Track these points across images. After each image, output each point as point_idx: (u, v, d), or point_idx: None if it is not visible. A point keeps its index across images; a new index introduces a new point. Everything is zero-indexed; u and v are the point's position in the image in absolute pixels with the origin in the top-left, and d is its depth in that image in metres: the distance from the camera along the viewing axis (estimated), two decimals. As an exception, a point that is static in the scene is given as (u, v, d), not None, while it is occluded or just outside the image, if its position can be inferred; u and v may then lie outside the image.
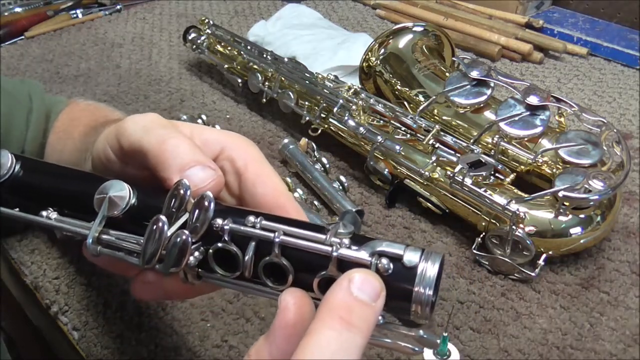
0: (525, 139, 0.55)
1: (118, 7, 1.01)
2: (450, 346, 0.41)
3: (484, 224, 0.51)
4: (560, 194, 0.47)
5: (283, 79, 0.67)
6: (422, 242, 0.54)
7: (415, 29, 0.68)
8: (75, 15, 0.99)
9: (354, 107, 0.60)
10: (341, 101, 0.61)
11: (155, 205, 0.30)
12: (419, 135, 0.57)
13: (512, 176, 0.52)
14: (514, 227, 0.47)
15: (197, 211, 0.29)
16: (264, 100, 0.69)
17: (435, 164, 0.54)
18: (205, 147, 0.32)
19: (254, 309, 0.47)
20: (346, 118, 0.60)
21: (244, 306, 0.47)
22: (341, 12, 1.01)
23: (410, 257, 0.27)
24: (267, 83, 0.69)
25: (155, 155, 0.30)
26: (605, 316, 0.47)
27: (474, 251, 0.51)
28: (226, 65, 0.75)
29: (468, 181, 0.50)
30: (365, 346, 0.25)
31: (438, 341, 0.27)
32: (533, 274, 0.49)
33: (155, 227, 0.29)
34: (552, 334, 0.45)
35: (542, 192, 0.48)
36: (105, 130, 0.34)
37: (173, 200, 0.29)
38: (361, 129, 0.58)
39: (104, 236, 0.31)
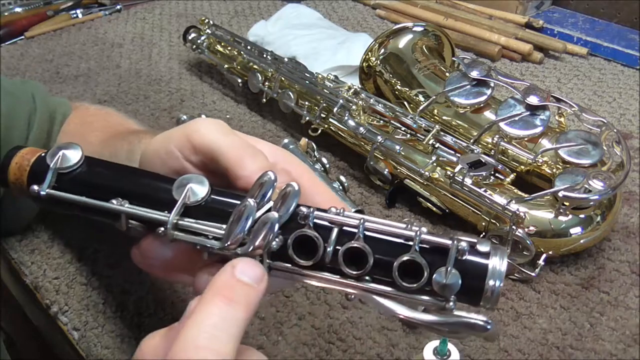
0: (525, 139, 0.55)
1: (118, 7, 1.01)
2: (450, 346, 0.41)
3: (484, 224, 0.51)
4: (560, 194, 0.47)
5: (283, 79, 0.67)
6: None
7: (415, 29, 0.68)
8: (75, 15, 0.99)
9: (354, 107, 0.60)
10: (341, 101, 0.61)
11: (231, 199, 0.31)
12: (419, 135, 0.57)
13: (512, 176, 0.52)
14: (514, 227, 0.47)
15: (281, 200, 0.30)
16: (264, 100, 0.69)
17: (435, 164, 0.54)
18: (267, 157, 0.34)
19: (254, 309, 0.47)
20: (346, 118, 0.60)
21: (244, 306, 0.47)
22: (341, 12, 1.01)
23: (482, 244, 0.29)
24: (267, 83, 0.69)
25: (233, 156, 0.32)
26: (605, 316, 0.47)
27: (474, 251, 0.51)
28: (226, 65, 0.75)
29: (468, 181, 0.50)
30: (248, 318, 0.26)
31: (489, 328, 0.28)
32: (533, 274, 0.49)
33: (244, 207, 0.29)
34: (552, 334, 0.45)
35: (542, 192, 0.48)
36: (161, 135, 0.35)
37: (258, 189, 0.30)
38: (361, 129, 0.58)
39: (181, 222, 0.31)
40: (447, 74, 0.62)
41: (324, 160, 0.61)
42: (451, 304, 0.28)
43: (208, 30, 0.79)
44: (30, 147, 0.35)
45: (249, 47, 0.74)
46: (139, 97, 0.77)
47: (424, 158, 0.55)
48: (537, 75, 0.81)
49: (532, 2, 0.94)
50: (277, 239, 0.29)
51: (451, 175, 0.51)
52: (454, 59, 0.67)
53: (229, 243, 0.29)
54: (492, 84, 0.58)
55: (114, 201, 0.32)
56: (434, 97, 0.60)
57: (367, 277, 0.29)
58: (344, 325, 0.46)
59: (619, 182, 0.48)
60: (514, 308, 0.47)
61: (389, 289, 0.29)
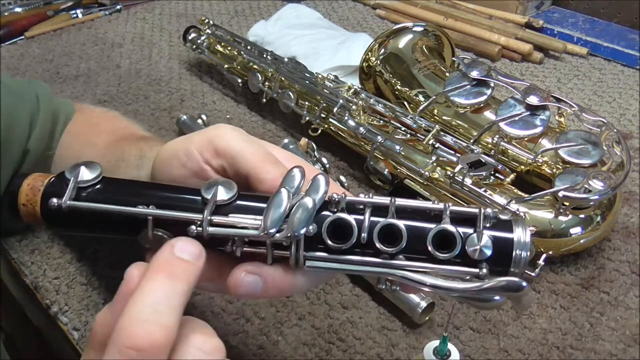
0: (525, 139, 0.55)
1: (118, 7, 1.01)
2: (450, 346, 0.41)
3: (484, 224, 0.51)
4: (560, 194, 0.47)
5: (283, 79, 0.67)
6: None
7: (415, 29, 0.68)
8: (75, 15, 0.99)
9: (354, 107, 0.60)
10: (341, 101, 0.61)
11: (259, 198, 0.31)
12: (419, 135, 0.57)
13: (512, 176, 0.52)
14: (514, 227, 0.47)
15: (312, 190, 0.30)
16: (264, 100, 0.69)
17: (435, 164, 0.54)
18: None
19: (254, 309, 0.47)
20: (346, 118, 0.60)
21: (244, 306, 0.47)
22: (341, 12, 1.01)
23: (503, 214, 0.30)
24: (267, 83, 0.69)
25: (255, 160, 0.33)
26: (605, 316, 0.47)
27: (474, 251, 0.51)
28: (226, 65, 0.75)
29: (468, 181, 0.50)
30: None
31: (524, 285, 0.29)
32: (533, 274, 0.48)
33: (279, 194, 0.30)
34: (552, 334, 0.45)
35: (542, 192, 0.48)
36: (180, 138, 0.36)
37: (289, 182, 0.31)
38: (361, 129, 0.58)
39: (215, 218, 0.31)
40: (447, 74, 0.62)
41: (324, 160, 0.61)
42: (484, 270, 0.29)
43: (208, 30, 0.79)
44: (39, 172, 0.34)
45: (249, 47, 0.74)
46: (139, 97, 0.77)
47: (424, 158, 0.55)
48: (537, 75, 0.81)
49: (532, 2, 0.94)
50: (312, 226, 0.30)
51: (451, 175, 0.51)
52: (454, 59, 0.67)
53: (268, 229, 0.29)
54: (492, 84, 0.58)
55: (139, 207, 0.31)
56: (434, 97, 0.60)
57: (401, 256, 0.30)
58: (344, 325, 0.46)
59: (619, 182, 0.48)
60: (514, 308, 0.47)
61: (424, 264, 0.30)
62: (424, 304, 0.45)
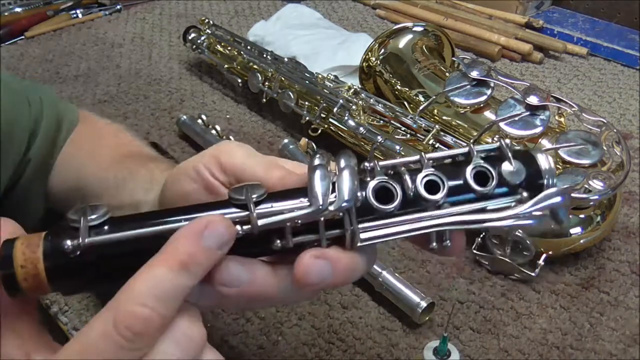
0: (525, 139, 0.55)
1: (118, 7, 1.02)
2: (450, 346, 0.41)
3: (484, 224, 0.51)
4: (560, 194, 0.47)
5: (283, 79, 0.67)
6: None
7: (415, 29, 0.68)
8: (75, 15, 0.99)
9: (354, 107, 0.60)
10: (341, 101, 0.61)
11: (289, 191, 0.30)
12: (419, 135, 0.57)
13: (512, 176, 0.52)
14: (514, 227, 0.47)
15: (341, 165, 0.29)
16: (264, 100, 0.69)
17: (435, 164, 0.54)
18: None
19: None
20: (346, 118, 0.60)
21: (244, 306, 0.47)
22: (341, 12, 1.01)
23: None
24: (267, 83, 0.69)
25: (259, 169, 0.33)
26: (605, 316, 0.47)
27: (474, 251, 0.51)
28: (226, 65, 0.75)
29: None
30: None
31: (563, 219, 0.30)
32: (533, 274, 0.49)
33: (316, 171, 0.29)
34: (552, 334, 0.45)
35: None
36: (191, 158, 0.36)
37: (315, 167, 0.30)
38: (361, 129, 0.58)
39: (259, 210, 0.29)
40: (447, 74, 0.62)
41: (324, 160, 0.61)
42: (524, 193, 0.30)
43: (208, 31, 0.79)
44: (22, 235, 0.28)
45: (249, 47, 0.74)
46: (139, 97, 0.77)
47: (424, 158, 0.54)
48: (537, 75, 0.81)
49: (532, 2, 0.94)
50: (359, 193, 0.29)
51: (451, 175, 0.51)
52: (454, 59, 0.67)
53: (320, 203, 0.28)
54: (492, 84, 0.58)
55: (170, 221, 0.28)
56: (434, 97, 0.60)
57: (446, 205, 0.30)
58: (344, 325, 0.46)
59: (619, 182, 0.48)
60: (514, 308, 0.47)
61: (471, 204, 0.30)
62: (424, 304, 0.45)
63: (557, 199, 0.29)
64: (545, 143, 0.54)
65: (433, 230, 0.30)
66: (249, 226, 0.28)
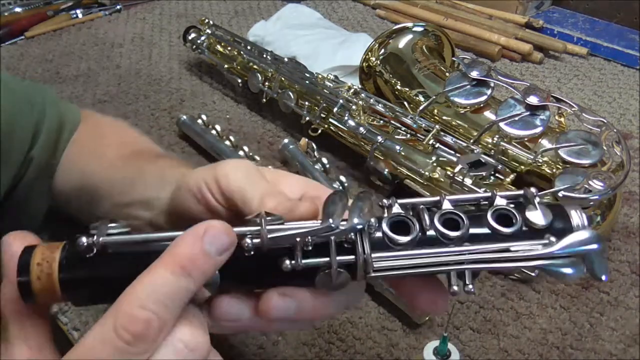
0: (525, 139, 0.55)
1: (118, 7, 1.01)
2: (450, 346, 0.41)
3: (484, 224, 0.51)
4: (560, 194, 0.47)
5: (283, 79, 0.67)
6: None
7: (415, 29, 0.68)
8: (75, 15, 0.99)
9: (354, 107, 0.60)
10: (341, 101, 0.61)
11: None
12: (419, 135, 0.57)
13: (512, 176, 0.52)
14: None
15: (357, 202, 0.29)
16: (264, 100, 0.69)
17: (435, 164, 0.54)
18: (290, 193, 0.34)
19: (254, 309, 0.47)
20: (346, 118, 0.60)
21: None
22: (341, 12, 1.01)
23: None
24: (267, 83, 0.69)
25: (255, 206, 0.32)
26: (605, 316, 0.47)
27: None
28: (226, 65, 0.75)
29: (468, 181, 0.50)
30: None
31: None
32: (533, 274, 0.49)
33: (333, 195, 0.29)
34: (552, 334, 0.45)
35: (542, 192, 0.48)
36: (196, 173, 0.36)
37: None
38: (361, 129, 0.58)
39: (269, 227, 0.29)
40: (447, 74, 0.62)
41: (324, 160, 0.61)
42: (552, 238, 0.28)
43: (208, 31, 0.79)
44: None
45: (249, 47, 0.74)
46: (139, 97, 0.77)
47: (424, 158, 0.55)
48: (537, 75, 0.81)
49: (532, 2, 0.94)
50: (373, 219, 0.28)
51: (451, 175, 0.51)
52: (454, 59, 0.67)
53: (332, 221, 0.27)
54: (492, 84, 0.58)
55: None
56: (434, 97, 0.60)
57: (466, 243, 0.28)
58: (344, 325, 0.46)
59: (619, 182, 0.48)
60: (514, 308, 0.47)
61: (491, 244, 0.28)
62: (424, 304, 0.45)
63: (593, 246, 0.27)
64: (545, 143, 0.54)
65: (452, 269, 0.28)
66: (259, 240, 0.28)
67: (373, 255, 0.28)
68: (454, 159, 0.52)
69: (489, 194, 0.30)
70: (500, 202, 0.29)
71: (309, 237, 0.28)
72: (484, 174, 0.51)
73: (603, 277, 0.27)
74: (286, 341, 0.45)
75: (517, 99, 0.55)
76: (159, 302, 0.25)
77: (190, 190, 0.35)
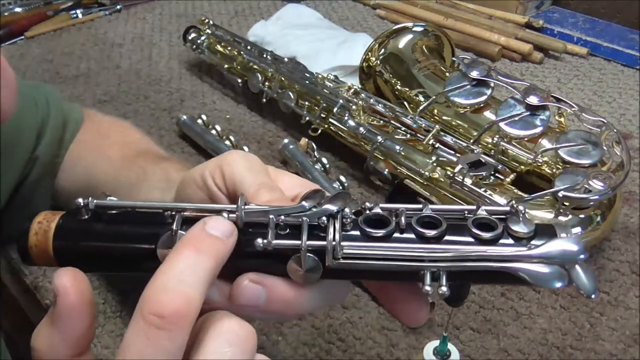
0: (525, 139, 0.55)
1: (118, 7, 1.01)
2: (450, 346, 0.41)
3: (484, 224, 0.51)
4: (560, 194, 0.47)
5: (283, 79, 0.67)
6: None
7: (415, 29, 0.68)
8: (75, 15, 0.99)
9: (354, 107, 0.60)
10: (341, 101, 0.61)
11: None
12: (419, 135, 0.57)
13: (512, 176, 0.52)
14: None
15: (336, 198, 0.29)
16: (264, 100, 0.69)
17: (435, 164, 0.54)
18: (287, 191, 0.34)
19: (254, 309, 0.47)
20: (346, 118, 0.60)
21: (244, 306, 0.47)
22: (341, 12, 1.01)
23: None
24: (267, 83, 0.69)
25: (251, 191, 0.32)
26: (605, 316, 0.47)
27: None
28: (226, 65, 0.75)
29: (468, 181, 0.50)
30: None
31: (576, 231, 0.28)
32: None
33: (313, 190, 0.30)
34: (552, 334, 0.45)
35: (542, 192, 0.48)
36: (201, 164, 0.36)
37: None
38: (361, 129, 0.58)
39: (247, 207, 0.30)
40: (447, 74, 0.62)
41: (324, 160, 0.61)
42: (535, 241, 0.27)
43: (208, 30, 0.79)
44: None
45: (249, 47, 0.74)
46: (139, 97, 0.77)
47: (424, 158, 0.55)
48: (537, 75, 0.81)
49: (532, 2, 0.94)
50: (347, 208, 0.29)
51: (451, 175, 0.51)
52: (454, 59, 0.67)
53: (306, 205, 0.28)
54: (492, 84, 0.58)
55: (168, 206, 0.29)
56: (434, 97, 0.60)
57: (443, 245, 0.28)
58: (344, 325, 0.46)
59: (619, 182, 0.48)
60: (514, 308, 0.47)
61: (470, 247, 0.27)
62: (424, 304, 0.45)
63: (577, 254, 0.26)
64: (545, 143, 0.54)
65: (425, 266, 0.27)
66: (234, 215, 0.29)
67: (345, 243, 0.28)
68: (454, 159, 0.52)
69: (474, 207, 0.29)
70: (483, 213, 0.29)
71: (282, 216, 0.29)
72: (484, 174, 0.51)
73: (592, 296, 0.26)
74: (286, 341, 0.45)
75: (517, 99, 0.55)
76: (182, 281, 0.25)
77: (193, 180, 0.35)
